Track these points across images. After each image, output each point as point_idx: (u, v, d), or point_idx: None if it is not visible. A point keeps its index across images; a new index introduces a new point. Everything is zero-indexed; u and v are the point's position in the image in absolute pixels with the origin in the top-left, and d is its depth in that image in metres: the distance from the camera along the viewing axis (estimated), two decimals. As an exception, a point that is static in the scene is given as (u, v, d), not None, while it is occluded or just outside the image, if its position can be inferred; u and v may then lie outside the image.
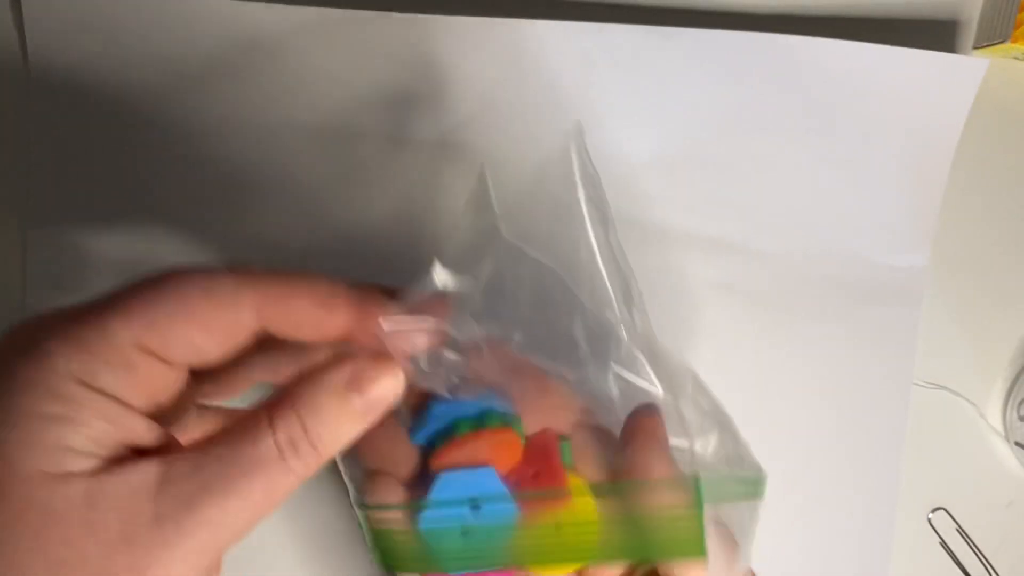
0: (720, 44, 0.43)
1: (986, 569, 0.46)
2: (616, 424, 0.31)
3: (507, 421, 0.31)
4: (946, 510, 0.46)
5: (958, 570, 0.46)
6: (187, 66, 0.44)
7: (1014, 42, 0.44)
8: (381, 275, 0.44)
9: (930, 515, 0.46)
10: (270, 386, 0.29)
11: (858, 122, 0.44)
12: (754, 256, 0.45)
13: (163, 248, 0.45)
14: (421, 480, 0.31)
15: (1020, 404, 0.46)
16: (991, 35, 0.46)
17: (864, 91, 0.44)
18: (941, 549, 0.46)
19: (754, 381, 0.45)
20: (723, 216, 0.45)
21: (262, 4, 0.43)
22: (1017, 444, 0.46)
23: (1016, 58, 0.47)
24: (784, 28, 0.43)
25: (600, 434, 0.32)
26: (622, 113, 0.44)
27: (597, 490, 0.30)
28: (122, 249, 0.45)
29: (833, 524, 0.45)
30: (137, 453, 0.25)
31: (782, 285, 0.45)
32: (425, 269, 0.29)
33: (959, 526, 0.46)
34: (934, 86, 0.43)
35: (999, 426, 0.47)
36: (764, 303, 0.45)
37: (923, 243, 0.45)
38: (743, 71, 0.43)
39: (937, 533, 0.46)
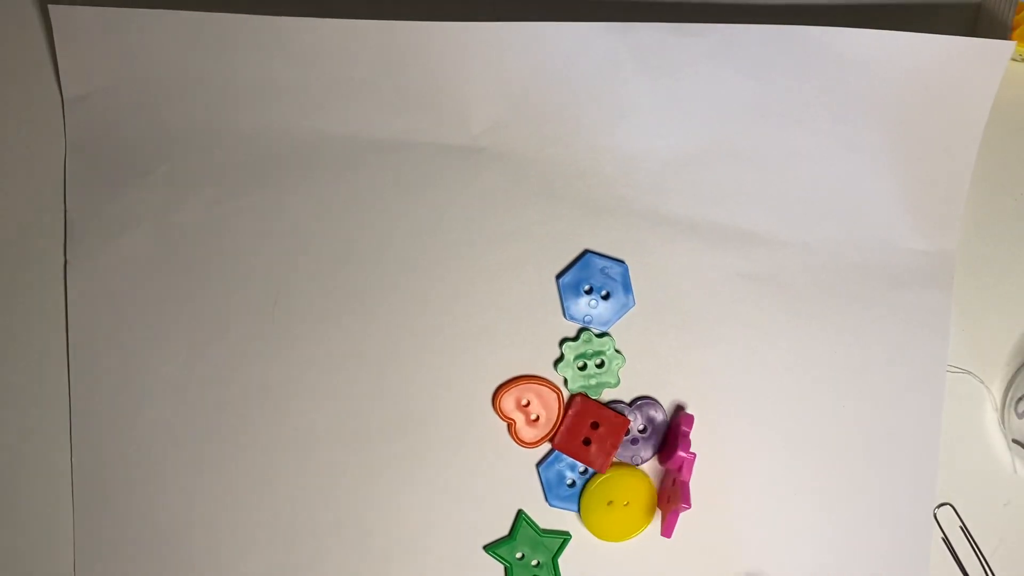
0: (742, 38, 0.44)
1: (984, 570, 0.46)
2: None
3: None
4: (952, 506, 0.47)
5: (955, 566, 0.47)
6: (218, 84, 0.46)
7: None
8: (420, 278, 0.45)
9: (936, 510, 0.47)
10: None
11: (883, 109, 0.45)
12: (784, 246, 0.46)
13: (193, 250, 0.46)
14: None
15: (1018, 402, 0.46)
16: (990, 36, 0.46)
17: (888, 78, 0.45)
18: (941, 544, 0.47)
19: (788, 371, 0.46)
20: (752, 208, 0.46)
21: (286, 18, 0.44)
22: (1015, 442, 0.46)
23: (1015, 59, 0.47)
24: (805, 19, 0.43)
25: None
26: (649, 110, 0.45)
27: None
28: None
29: (870, 511, 0.46)
30: None
31: (812, 274, 0.46)
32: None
33: (963, 524, 0.47)
34: (959, 70, 0.44)
35: (996, 424, 0.47)
36: (795, 293, 0.46)
37: (952, 226, 0.46)
38: (766, 64, 0.44)
39: (941, 528, 0.47)
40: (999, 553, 0.47)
